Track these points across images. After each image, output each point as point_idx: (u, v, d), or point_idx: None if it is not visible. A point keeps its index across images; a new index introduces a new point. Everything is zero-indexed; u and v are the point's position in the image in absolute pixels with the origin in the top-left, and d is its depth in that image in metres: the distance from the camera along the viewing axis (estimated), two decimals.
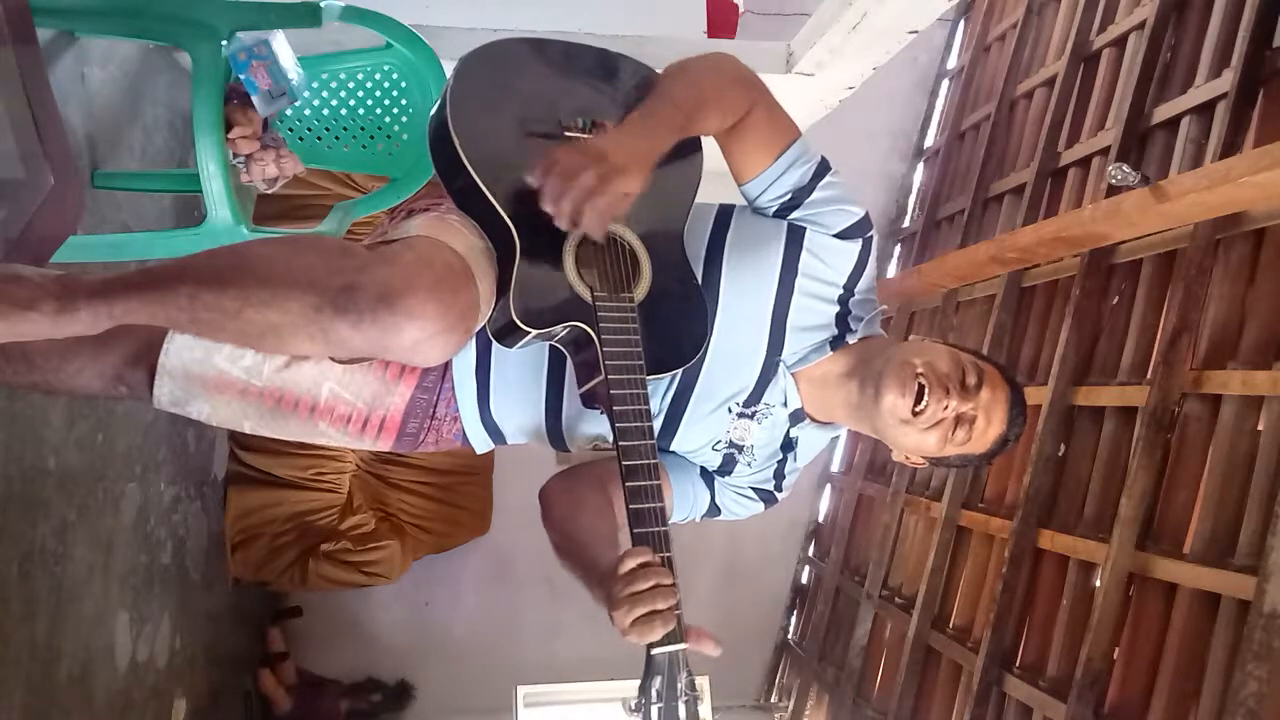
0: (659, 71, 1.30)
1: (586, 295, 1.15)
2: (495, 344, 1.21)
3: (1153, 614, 2.18)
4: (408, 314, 0.97)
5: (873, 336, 1.34)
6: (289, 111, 1.96)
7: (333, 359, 1.20)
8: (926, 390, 1.21)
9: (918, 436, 1.25)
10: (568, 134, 1.22)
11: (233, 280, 1.02)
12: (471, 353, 1.26)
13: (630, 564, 1.03)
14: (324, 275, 1.00)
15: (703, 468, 1.37)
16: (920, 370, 1.22)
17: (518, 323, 1.10)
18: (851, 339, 1.32)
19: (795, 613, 4.40)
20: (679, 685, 1.01)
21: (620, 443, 1.10)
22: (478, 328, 1.12)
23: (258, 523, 3.25)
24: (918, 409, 1.22)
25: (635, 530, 1.07)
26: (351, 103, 2.03)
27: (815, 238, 1.30)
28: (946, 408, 1.22)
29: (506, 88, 1.22)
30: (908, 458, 1.33)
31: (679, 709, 1.00)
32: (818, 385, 1.32)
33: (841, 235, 1.30)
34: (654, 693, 1.00)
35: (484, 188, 1.14)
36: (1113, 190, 2.43)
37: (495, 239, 1.16)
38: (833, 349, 1.31)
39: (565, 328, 1.15)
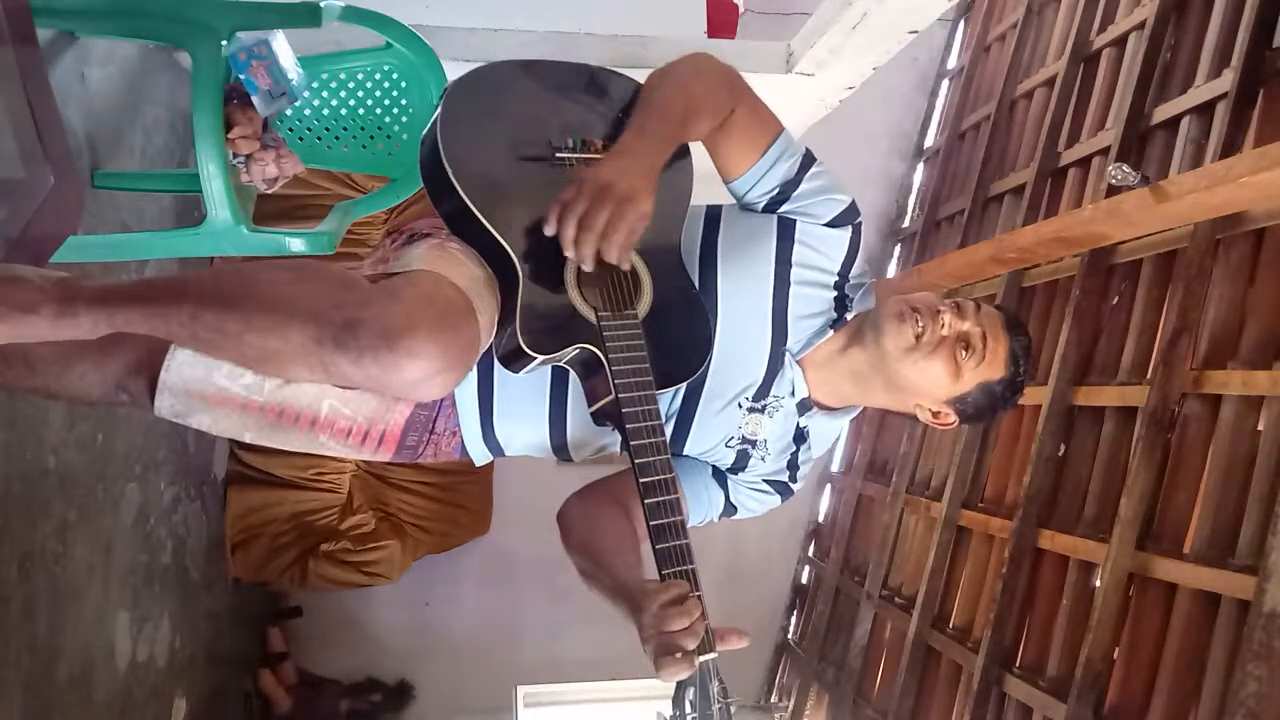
0: (640, 80, 1.31)
1: (591, 316, 1.15)
2: (498, 364, 1.21)
3: (1153, 614, 2.18)
4: (408, 353, 0.97)
5: (865, 310, 1.36)
6: (289, 111, 1.95)
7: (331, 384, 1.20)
8: (921, 315, 1.26)
9: (926, 364, 1.26)
10: (559, 155, 1.23)
11: (236, 304, 1.02)
12: (473, 372, 1.26)
13: (658, 601, 1.03)
14: (327, 308, 1.00)
15: (715, 468, 1.37)
16: (913, 304, 1.28)
17: (526, 350, 1.11)
18: (849, 316, 1.34)
19: (795, 613, 4.40)
20: (712, 693, 1.01)
21: (636, 460, 1.11)
22: (478, 359, 1.12)
23: (258, 523, 3.25)
24: (918, 332, 1.25)
25: (657, 546, 1.08)
26: (351, 103, 2.03)
27: (806, 228, 1.32)
28: (944, 325, 1.26)
29: (495, 111, 1.23)
30: (934, 415, 1.33)
31: (714, 717, 1.01)
32: (823, 367, 1.33)
33: (832, 223, 1.33)
34: (688, 703, 1.01)
35: (479, 215, 1.14)
36: (1113, 190, 2.43)
37: (495, 265, 1.17)
38: (833, 329, 1.33)
39: (573, 350, 1.15)
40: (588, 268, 1.13)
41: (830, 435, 1.43)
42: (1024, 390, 1.33)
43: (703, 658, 1.01)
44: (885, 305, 1.30)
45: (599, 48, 2.43)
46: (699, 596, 1.04)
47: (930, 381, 1.28)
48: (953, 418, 1.33)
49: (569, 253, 1.12)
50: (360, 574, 3.46)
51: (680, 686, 1.01)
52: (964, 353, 1.26)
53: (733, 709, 1.03)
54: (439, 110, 1.18)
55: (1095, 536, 2.39)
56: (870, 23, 2.23)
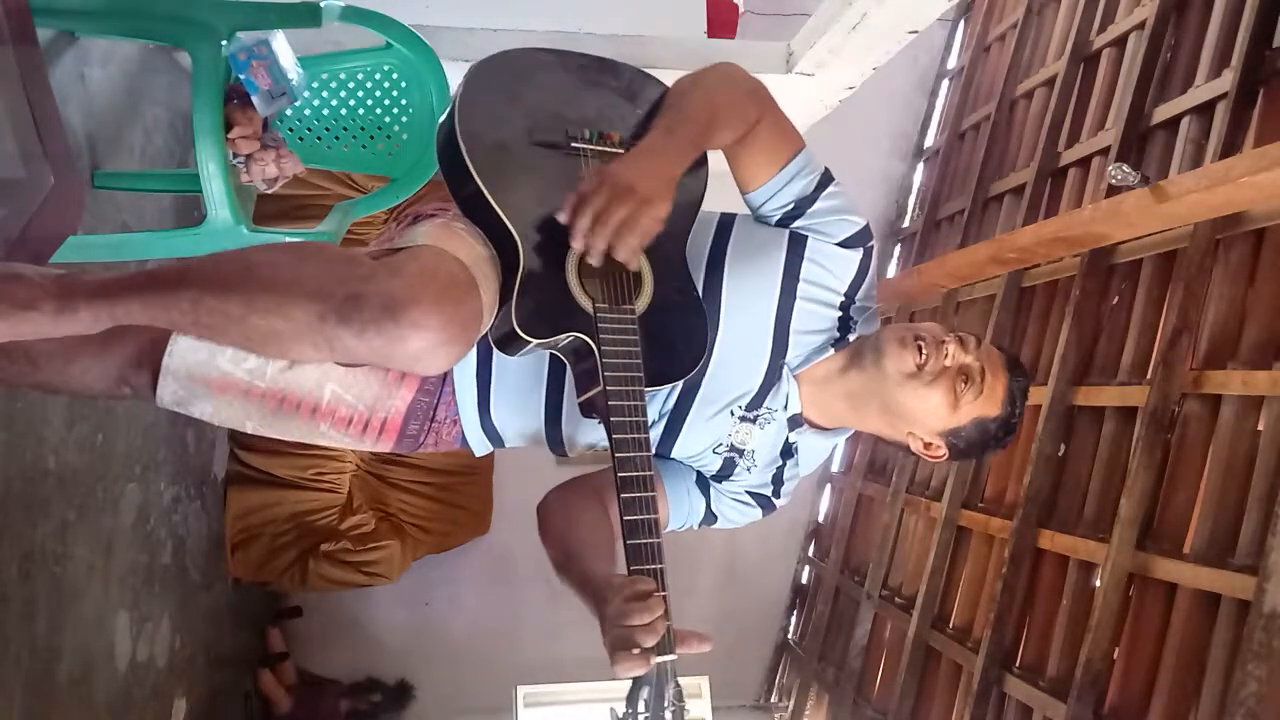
0: (664, 81, 1.31)
1: (588, 306, 1.15)
2: (496, 350, 1.21)
3: (1153, 614, 2.18)
4: (412, 325, 0.98)
5: (868, 333, 1.36)
6: (289, 111, 1.96)
7: (335, 362, 1.21)
8: (925, 344, 1.26)
9: (925, 393, 1.26)
10: (574, 144, 1.23)
11: (237, 286, 1.02)
12: (472, 358, 1.27)
13: (622, 595, 1.03)
14: (329, 284, 1.00)
15: (699, 474, 1.38)
16: (918, 332, 1.28)
17: (519, 332, 1.11)
18: (851, 337, 1.34)
19: (795, 613, 4.40)
20: (666, 696, 1.01)
21: (616, 454, 1.11)
22: (480, 336, 1.13)
23: (258, 523, 3.25)
24: (920, 360, 1.25)
25: (629, 541, 1.07)
26: (351, 103, 2.03)
27: (817, 246, 1.32)
28: (947, 356, 1.26)
29: (514, 97, 1.23)
30: (925, 445, 1.33)
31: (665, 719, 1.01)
32: (819, 386, 1.33)
33: (843, 244, 1.32)
34: (642, 703, 1.00)
35: (489, 197, 1.14)
36: (1113, 190, 2.43)
37: (499, 247, 1.17)
38: (835, 349, 1.33)
39: (566, 338, 1.15)
40: (595, 262, 1.13)
41: (819, 454, 1.43)
42: (1017, 431, 1.35)
43: (661, 658, 1.01)
44: (889, 330, 1.30)
45: (599, 47, 2.40)
46: (664, 596, 1.03)
47: (927, 411, 1.28)
48: (944, 450, 1.33)
49: (577, 245, 1.12)
50: (360, 574, 3.46)
51: (636, 684, 1.01)
52: (963, 385, 1.26)
53: (686, 716, 1.02)
54: (460, 88, 1.19)
55: (1095, 536, 2.38)
56: (870, 23, 2.24)
